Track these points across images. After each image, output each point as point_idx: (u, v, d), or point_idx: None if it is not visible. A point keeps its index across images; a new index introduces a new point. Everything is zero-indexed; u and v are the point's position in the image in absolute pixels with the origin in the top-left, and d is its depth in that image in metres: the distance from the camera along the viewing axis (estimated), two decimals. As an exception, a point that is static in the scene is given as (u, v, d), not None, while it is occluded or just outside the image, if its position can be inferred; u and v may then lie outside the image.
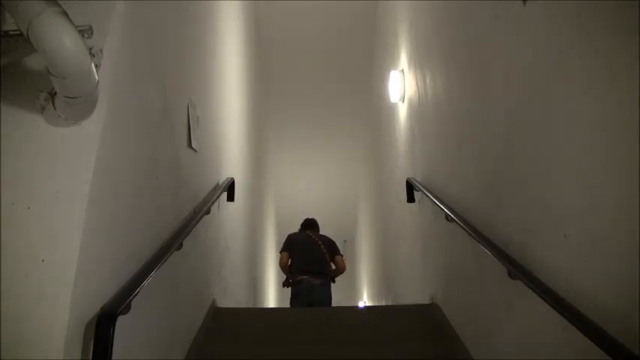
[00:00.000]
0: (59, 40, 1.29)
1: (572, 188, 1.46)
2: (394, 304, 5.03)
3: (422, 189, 3.31)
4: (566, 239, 1.49)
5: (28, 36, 1.27)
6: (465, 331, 2.57)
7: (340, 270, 4.89)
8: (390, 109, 5.10)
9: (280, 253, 4.82)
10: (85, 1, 1.59)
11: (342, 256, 4.87)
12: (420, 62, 3.65)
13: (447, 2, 2.82)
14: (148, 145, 1.99)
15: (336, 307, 4.92)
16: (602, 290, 1.33)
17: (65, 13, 1.31)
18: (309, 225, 5.13)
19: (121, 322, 1.45)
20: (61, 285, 1.33)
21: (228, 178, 3.69)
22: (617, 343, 1.18)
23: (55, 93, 1.44)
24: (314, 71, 7.08)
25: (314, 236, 4.86)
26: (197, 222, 2.53)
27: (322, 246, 4.74)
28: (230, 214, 4.01)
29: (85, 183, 1.44)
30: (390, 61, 5.11)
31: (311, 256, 4.65)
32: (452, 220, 2.55)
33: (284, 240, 5.00)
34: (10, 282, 1.31)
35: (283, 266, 4.83)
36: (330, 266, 4.86)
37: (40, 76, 1.46)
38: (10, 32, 1.45)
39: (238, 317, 3.31)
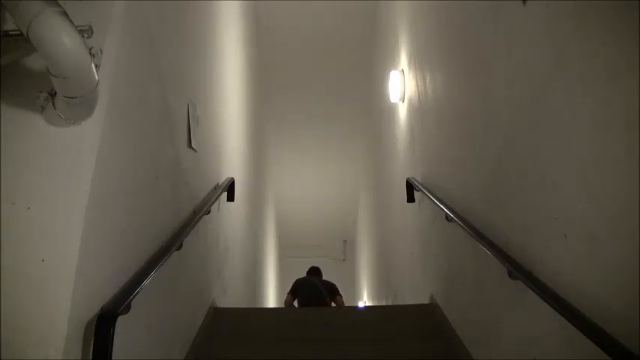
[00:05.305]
0: (59, 40, 1.29)
1: (572, 188, 1.46)
2: (394, 304, 5.03)
3: (422, 189, 3.31)
4: (566, 239, 1.49)
5: (28, 36, 1.27)
6: (464, 331, 2.56)
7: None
8: (390, 109, 5.10)
9: (287, 294, 5.49)
10: (85, 1, 1.59)
11: (341, 296, 5.52)
12: (420, 62, 3.65)
13: (447, 2, 2.82)
14: (148, 145, 1.99)
15: (336, 307, 5.02)
16: (602, 290, 1.33)
17: (65, 13, 1.31)
18: (314, 271, 5.82)
19: (121, 322, 1.45)
20: (61, 285, 1.33)
21: (228, 178, 3.69)
22: (617, 343, 1.18)
23: (55, 93, 1.44)
24: (314, 71, 7.08)
25: (316, 281, 5.55)
26: (197, 222, 2.53)
27: (323, 290, 5.42)
28: (230, 214, 4.01)
29: (85, 183, 1.44)
30: (390, 61, 5.11)
31: (312, 297, 5.26)
32: (452, 220, 2.55)
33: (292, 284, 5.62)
34: (10, 282, 1.31)
35: (287, 306, 5.48)
36: (331, 306, 5.43)
37: (40, 76, 1.46)
38: (10, 32, 1.45)
39: (238, 317, 3.30)
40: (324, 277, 5.76)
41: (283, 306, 5.65)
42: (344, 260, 11.87)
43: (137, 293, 1.60)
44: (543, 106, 1.64)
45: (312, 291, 5.34)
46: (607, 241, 1.30)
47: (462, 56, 2.56)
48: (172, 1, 2.37)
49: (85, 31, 1.49)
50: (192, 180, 2.67)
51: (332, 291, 5.46)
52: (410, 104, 4.04)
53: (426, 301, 3.37)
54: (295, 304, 5.35)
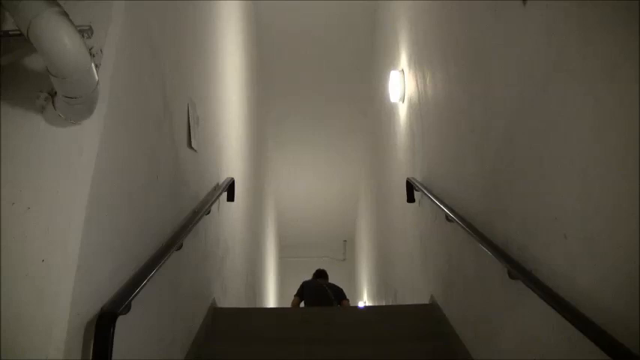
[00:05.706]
0: (59, 40, 1.29)
1: (572, 188, 1.46)
2: (394, 303, 5.03)
3: (422, 189, 3.31)
4: (566, 239, 1.49)
5: (28, 36, 1.27)
6: (464, 331, 2.56)
7: None
8: (390, 109, 5.10)
9: (294, 296, 5.52)
10: (85, 1, 1.59)
11: (348, 300, 5.56)
12: (420, 62, 3.65)
13: (448, 2, 2.82)
14: (148, 145, 1.99)
15: (336, 307, 5.03)
16: (602, 290, 1.33)
17: (65, 13, 1.31)
18: (320, 274, 5.91)
19: (121, 322, 1.45)
20: (61, 285, 1.33)
21: (228, 178, 3.69)
22: (617, 343, 1.18)
23: (55, 93, 1.44)
24: (314, 71, 7.08)
25: (324, 284, 5.62)
26: (197, 222, 2.53)
27: (330, 292, 5.49)
28: (230, 214, 4.01)
29: (85, 183, 1.44)
30: (390, 61, 5.11)
31: (319, 300, 5.31)
32: (452, 220, 2.55)
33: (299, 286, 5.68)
34: (10, 282, 1.31)
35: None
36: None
37: (40, 76, 1.46)
38: (10, 32, 1.45)
39: (238, 317, 3.30)
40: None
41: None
42: (344, 260, 11.88)
43: (137, 293, 1.60)
44: (543, 106, 1.64)
45: (319, 293, 5.37)
46: (607, 241, 1.30)
47: (462, 56, 2.56)
48: (172, 2, 2.37)
49: (85, 31, 1.49)
50: (192, 180, 2.67)
51: (339, 294, 5.49)
52: (410, 104, 4.05)
53: (426, 301, 3.37)
54: (302, 306, 5.35)
